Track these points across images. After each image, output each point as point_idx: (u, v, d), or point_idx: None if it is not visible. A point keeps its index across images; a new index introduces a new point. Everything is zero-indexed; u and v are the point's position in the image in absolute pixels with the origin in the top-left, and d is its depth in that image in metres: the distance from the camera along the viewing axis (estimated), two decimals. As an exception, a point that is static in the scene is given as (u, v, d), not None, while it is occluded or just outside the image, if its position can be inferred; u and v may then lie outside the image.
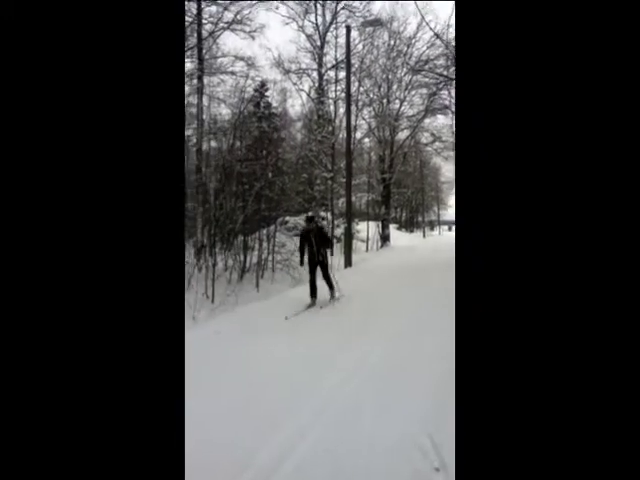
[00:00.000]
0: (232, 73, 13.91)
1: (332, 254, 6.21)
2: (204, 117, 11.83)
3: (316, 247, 5.96)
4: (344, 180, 12.28)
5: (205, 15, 12.53)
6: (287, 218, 12.67)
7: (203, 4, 12.17)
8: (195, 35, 12.23)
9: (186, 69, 12.53)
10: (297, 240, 6.71)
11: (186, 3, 11.74)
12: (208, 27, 12.81)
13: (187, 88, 12.33)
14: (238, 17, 13.13)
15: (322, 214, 14.84)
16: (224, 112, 13.17)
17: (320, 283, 6.08)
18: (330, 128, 15.23)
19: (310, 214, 6.79)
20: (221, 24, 12.97)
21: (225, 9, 12.68)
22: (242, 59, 14.03)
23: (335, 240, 13.79)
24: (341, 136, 15.29)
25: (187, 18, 11.80)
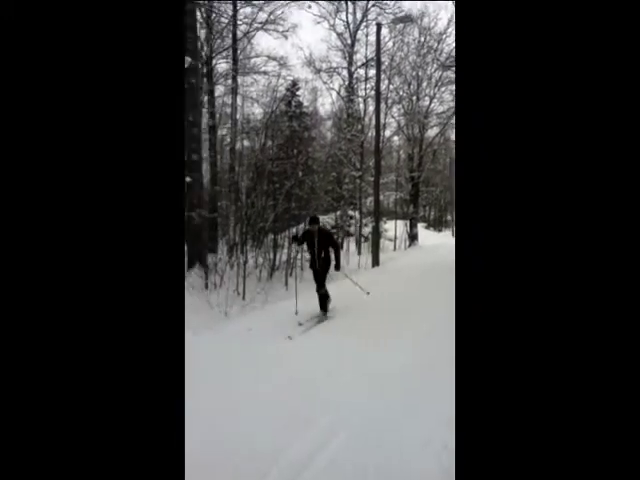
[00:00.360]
0: (265, 73, 14.22)
1: (338, 258, 5.62)
2: (237, 117, 12.12)
3: (317, 251, 5.41)
4: (372, 179, 12.27)
5: (240, 16, 12.80)
6: (316, 217, 12.76)
7: (238, 5, 12.41)
8: (230, 36, 12.52)
9: (221, 69, 12.88)
10: None
11: (222, 5, 12.03)
12: (243, 28, 13.10)
13: (222, 88, 12.66)
14: (271, 17, 13.36)
15: (350, 213, 14.91)
16: (257, 111, 13.45)
17: (330, 286, 5.67)
18: (359, 126, 15.21)
19: (314, 215, 6.20)
20: (255, 24, 13.23)
21: (260, 9, 12.90)
22: (274, 59, 14.31)
23: (363, 239, 13.82)
24: (370, 134, 15.25)
25: (222, 19, 12.11)
